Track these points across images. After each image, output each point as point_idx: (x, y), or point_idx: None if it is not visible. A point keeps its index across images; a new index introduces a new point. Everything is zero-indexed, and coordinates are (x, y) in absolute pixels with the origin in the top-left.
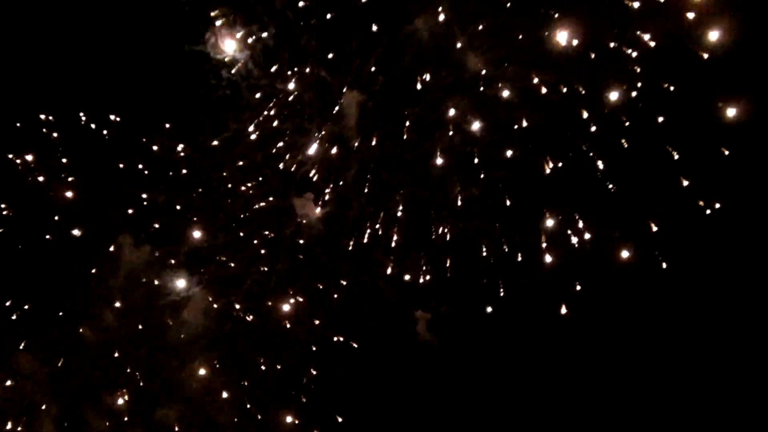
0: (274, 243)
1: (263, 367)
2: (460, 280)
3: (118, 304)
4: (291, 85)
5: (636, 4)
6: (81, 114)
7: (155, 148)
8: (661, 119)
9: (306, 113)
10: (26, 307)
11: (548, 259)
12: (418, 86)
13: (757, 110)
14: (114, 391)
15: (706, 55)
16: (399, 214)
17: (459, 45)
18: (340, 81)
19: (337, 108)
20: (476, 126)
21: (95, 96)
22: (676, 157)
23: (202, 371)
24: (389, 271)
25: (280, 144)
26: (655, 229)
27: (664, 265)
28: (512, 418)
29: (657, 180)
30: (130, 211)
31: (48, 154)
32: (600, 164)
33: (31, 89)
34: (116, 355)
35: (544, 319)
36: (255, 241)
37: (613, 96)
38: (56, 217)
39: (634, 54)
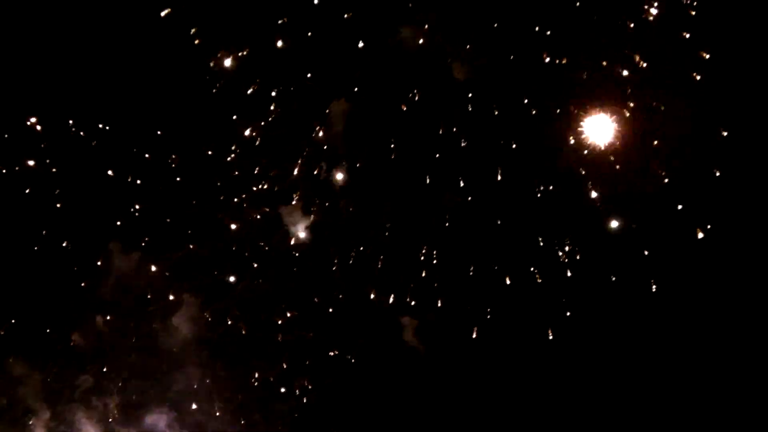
0: (264, 252)
1: (254, 375)
2: (448, 287)
3: (108, 311)
4: (278, 96)
5: (631, 24)
6: (70, 121)
7: (147, 156)
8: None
9: (294, 124)
10: (18, 313)
11: (538, 268)
12: (407, 96)
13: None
14: (105, 397)
15: (699, 77)
16: (387, 225)
17: (447, 55)
18: (327, 91)
19: (324, 118)
20: (465, 137)
21: (85, 103)
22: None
23: (192, 378)
24: (377, 278)
25: (270, 154)
26: (647, 252)
27: (654, 288)
28: (500, 424)
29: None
30: (120, 219)
31: (36, 161)
32: (591, 181)
33: (18, 94)
34: (107, 360)
35: (533, 325)
36: (245, 251)
37: (606, 114)
38: (46, 224)
39: (626, 72)
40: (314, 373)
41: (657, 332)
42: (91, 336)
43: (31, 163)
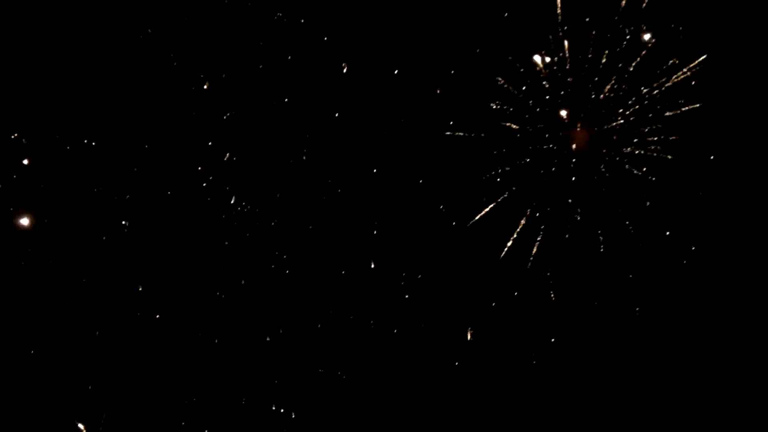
0: (249, 262)
1: (249, 379)
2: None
3: (94, 322)
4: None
5: None
6: (57, 135)
7: (137, 158)
8: None
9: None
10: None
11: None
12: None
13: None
14: (91, 410)
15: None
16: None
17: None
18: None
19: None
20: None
21: (70, 119)
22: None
23: (178, 387)
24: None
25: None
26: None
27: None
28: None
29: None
30: (104, 230)
31: (19, 176)
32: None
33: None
34: (95, 374)
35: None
36: (230, 262)
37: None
38: (29, 237)
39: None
40: (309, 376)
41: (655, 333)
42: (77, 348)
43: (12, 178)
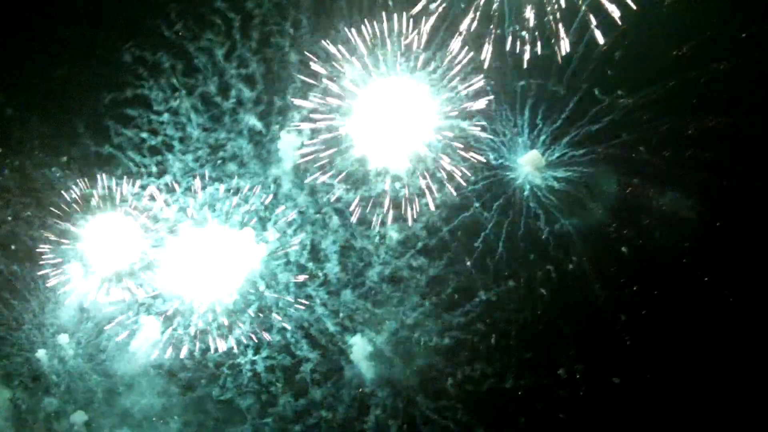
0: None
1: (212, 398)
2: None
3: (69, 334)
4: None
5: None
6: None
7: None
8: None
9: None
10: None
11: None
12: None
13: None
14: (69, 417)
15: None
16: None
17: None
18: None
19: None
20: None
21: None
22: None
23: (150, 400)
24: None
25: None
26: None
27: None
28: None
29: None
30: (78, 243)
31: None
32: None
33: None
34: (70, 382)
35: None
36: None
37: None
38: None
39: None
40: (275, 394)
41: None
42: (54, 359)
43: None
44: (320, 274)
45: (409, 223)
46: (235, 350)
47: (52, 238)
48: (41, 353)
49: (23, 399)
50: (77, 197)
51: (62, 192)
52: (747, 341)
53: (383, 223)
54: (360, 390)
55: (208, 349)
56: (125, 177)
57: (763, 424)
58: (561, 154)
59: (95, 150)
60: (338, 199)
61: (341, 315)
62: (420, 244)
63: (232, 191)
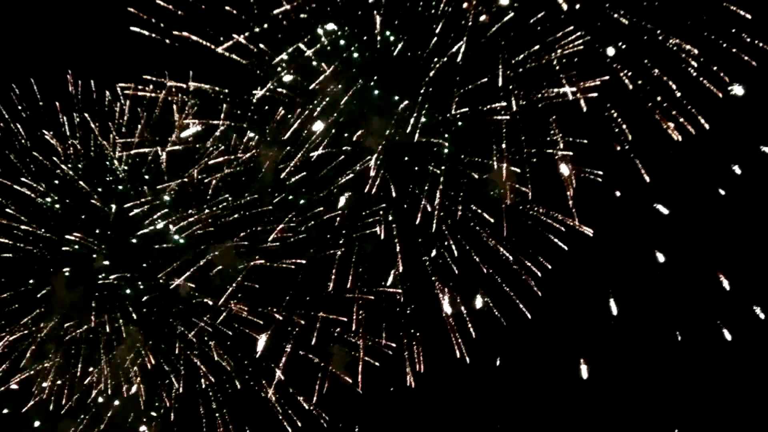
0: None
1: (196, 409)
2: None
3: (55, 344)
4: None
5: None
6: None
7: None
8: None
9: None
10: None
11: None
12: None
13: None
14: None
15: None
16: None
17: None
18: None
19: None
20: None
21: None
22: None
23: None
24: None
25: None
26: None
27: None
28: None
29: None
30: (64, 250)
31: None
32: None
33: None
34: (59, 392)
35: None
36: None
37: None
38: None
39: None
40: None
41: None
42: (41, 369)
43: None
44: None
45: None
46: None
47: None
48: None
49: None
50: None
51: None
52: (747, 341)
53: None
54: None
55: None
56: None
57: (764, 424)
58: None
59: None
60: None
61: None
62: None
63: None
